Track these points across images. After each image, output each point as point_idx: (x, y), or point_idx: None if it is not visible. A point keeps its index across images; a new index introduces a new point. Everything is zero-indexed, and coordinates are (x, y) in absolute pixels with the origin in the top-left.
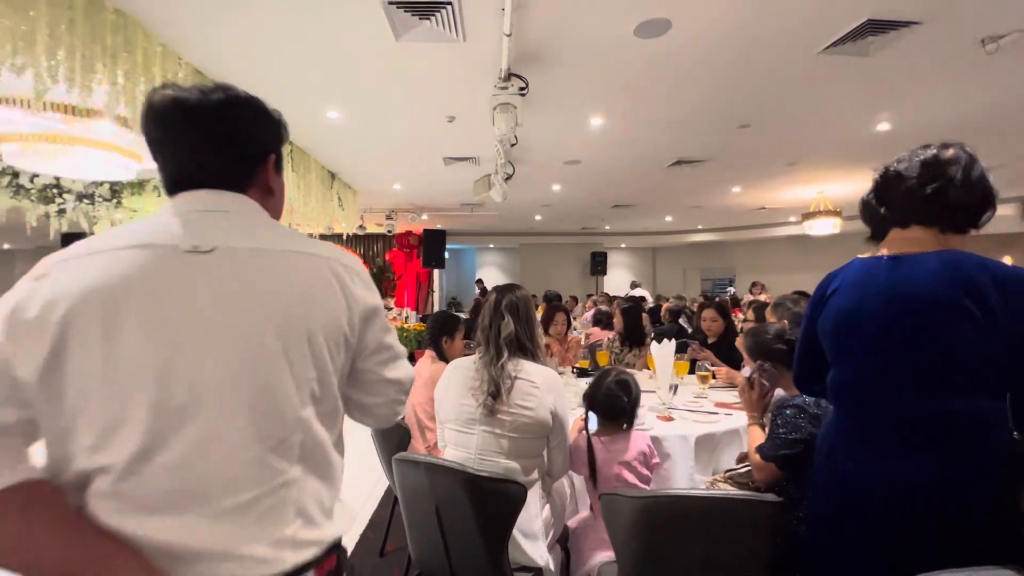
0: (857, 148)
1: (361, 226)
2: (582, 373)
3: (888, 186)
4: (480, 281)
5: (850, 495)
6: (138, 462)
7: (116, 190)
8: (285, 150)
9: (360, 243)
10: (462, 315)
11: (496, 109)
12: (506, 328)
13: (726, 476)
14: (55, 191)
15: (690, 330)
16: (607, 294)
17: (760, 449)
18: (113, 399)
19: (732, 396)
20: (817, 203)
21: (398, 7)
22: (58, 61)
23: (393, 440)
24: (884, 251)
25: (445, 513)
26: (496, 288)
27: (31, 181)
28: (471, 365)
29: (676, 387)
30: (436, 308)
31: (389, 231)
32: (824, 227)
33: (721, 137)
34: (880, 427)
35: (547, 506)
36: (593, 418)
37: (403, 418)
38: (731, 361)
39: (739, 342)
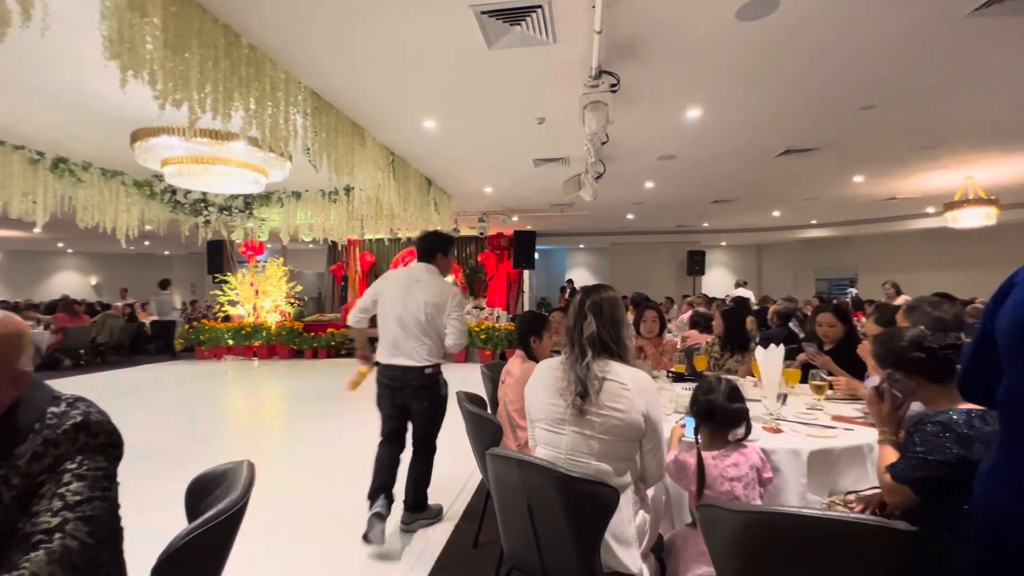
0: (1016, 125)
1: (455, 229)
2: (678, 378)
3: None
4: (570, 281)
5: (1021, 535)
6: (389, 335)
7: (248, 202)
8: (387, 160)
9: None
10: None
11: (586, 108)
12: (588, 328)
13: (848, 499)
14: (202, 204)
15: (802, 335)
16: (705, 295)
17: (892, 469)
18: (386, 318)
19: (854, 409)
20: (964, 190)
21: (491, 16)
22: (206, 93)
23: (486, 434)
24: None
25: (537, 511)
26: (583, 288)
27: (185, 196)
28: (559, 365)
29: (785, 397)
30: (526, 308)
31: (481, 233)
32: (973, 218)
33: (838, 121)
34: None
35: (640, 512)
36: (690, 426)
37: (496, 414)
38: (852, 371)
39: (864, 349)
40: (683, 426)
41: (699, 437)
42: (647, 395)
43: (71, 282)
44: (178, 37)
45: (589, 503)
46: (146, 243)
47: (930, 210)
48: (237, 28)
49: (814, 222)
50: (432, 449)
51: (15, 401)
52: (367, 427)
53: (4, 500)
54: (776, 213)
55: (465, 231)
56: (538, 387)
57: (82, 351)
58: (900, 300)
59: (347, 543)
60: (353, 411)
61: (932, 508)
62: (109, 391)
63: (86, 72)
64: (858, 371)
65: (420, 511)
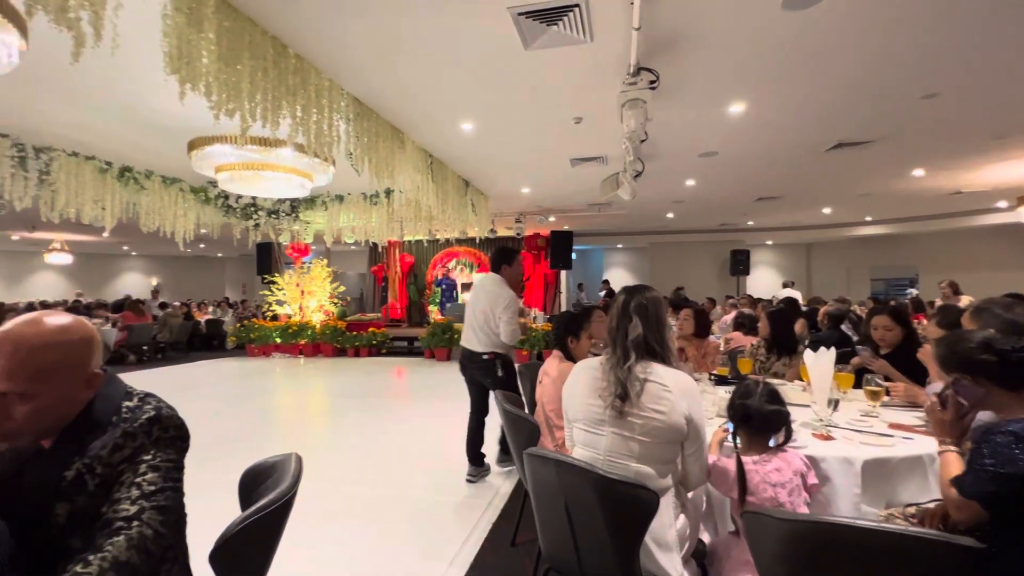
0: None
1: (492, 230)
2: (721, 381)
3: None
4: (606, 282)
5: None
6: (465, 325)
7: (295, 206)
8: (425, 162)
9: (490, 246)
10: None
11: (624, 106)
12: (634, 331)
13: (908, 511)
14: (252, 208)
15: (855, 338)
16: (750, 296)
17: (958, 483)
18: (465, 313)
19: (913, 417)
20: None
21: (528, 16)
22: (257, 103)
23: (523, 433)
24: None
25: (575, 512)
26: (625, 289)
27: (236, 201)
28: (598, 366)
29: (836, 402)
30: (563, 309)
31: (518, 234)
32: None
33: (896, 112)
34: None
35: (681, 516)
36: (731, 429)
37: (533, 414)
38: (912, 377)
39: (925, 353)
40: (726, 430)
41: (738, 441)
42: (689, 397)
43: (134, 283)
44: (231, 50)
45: (628, 506)
46: (201, 246)
47: (1001, 204)
48: (285, 39)
49: (869, 219)
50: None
51: (92, 397)
52: (408, 423)
53: (89, 487)
54: (827, 210)
55: (502, 232)
56: (576, 387)
57: (145, 347)
58: (963, 301)
59: (389, 535)
60: (394, 408)
61: (1003, 524)
62: (169, 385)
63: (148, 87)
64: (918, 378)
65: (477, 464)
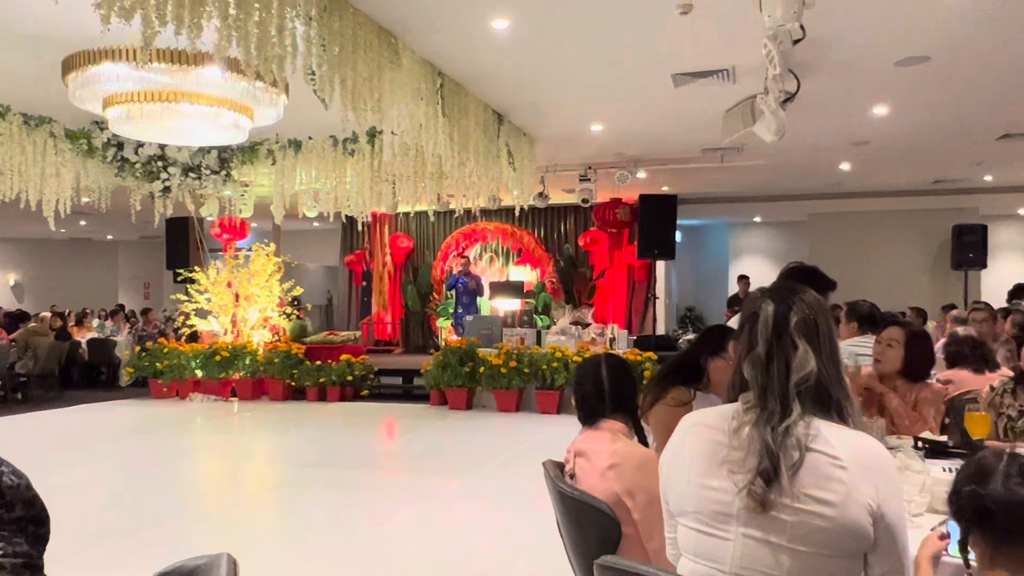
0: None
1: (542, 194)
2: (935, 451)
3: None
4: (745, 279)
5: None
6: None
7: (225, 159)
8: (433, 85)
9: (539, 220)
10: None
11: None
12: (802, 365)
13: None
14: (160, 164)
15: None
16: (986, 304)
17: None
18: None
19: None
20: None
21: None
22: None
23: (592, 533)
24: None
25: None
26: (770, 293)
27: (135, 152)
28: (719, 421)
29: None
30: (660, 326)
31: (585, 200)
32: None
33: None
34: None
35: None
36: (955, 537)
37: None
38: None
39: None
40: (944, 537)
41: (970, 557)
42: (878, 478)
43: None
44: None
45: None
46: (82, 223)
47: None
48: None
49: None
50: None
51: None
52: (405, 514)
53: None
54: None
55: (558, 198)
56: (684, 456)
57: None
58: None
59: None
60: (382, 489)
61: None
62: (30, 442)
63: None
64: None
65: None
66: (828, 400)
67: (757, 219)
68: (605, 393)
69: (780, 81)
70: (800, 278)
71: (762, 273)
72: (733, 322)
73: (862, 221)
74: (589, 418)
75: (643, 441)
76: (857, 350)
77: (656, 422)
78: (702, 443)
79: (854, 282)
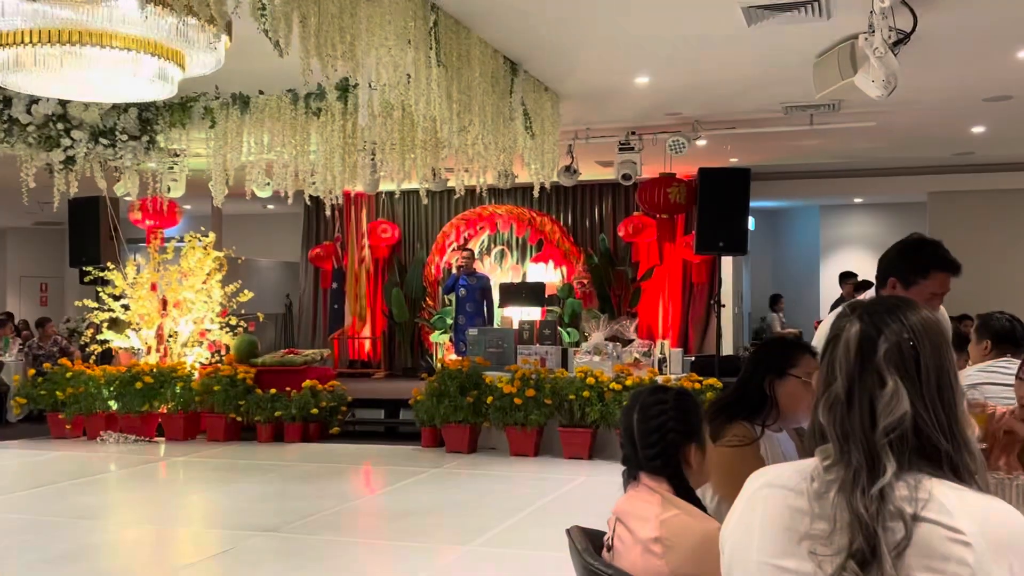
0: None
1: (569, 168)
2: None
3: None
4: (850, 278)
5: None
6: None
7: (147, 120)
8: (423, 22)
9: (565, 203)
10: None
11: None
12: (889, 406)
13: None
14: (60, 127)
15: None
16: None
17: None
18: None
19: None
20: None
21: None
22: None
23: None
24: None
25: None
26: (861, 309)
27: (28, 111)
28: (802, 481)
29: None
30: (727, 343)
31: (626, 177)
32: None
33: None
34: None
35: None
36: None
37: None
38: None
39: None
40: None
41: None
42: (1017, 558)
43: None
44: None
45: None
46: None
47: None
48: None
49: None
50: None
51: None
52: None
53: None
54: None
55: (590, 173)
56: (753, 531)
57: None
58: None
59: None
60: (354, 556)
61: None
62: None
63: None
64: None
65: None
66: (935, 452)
67: (858, 200)
68: (635, 435)
69: (890, 16)
70: (909, 254)
71: (865, 271)
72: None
73: (1000, 203)
74: (629, 471)
75: (694, 501)
76: (990, 378)
77: (715, 468)
78: (775, 511)
79: (989, 285)
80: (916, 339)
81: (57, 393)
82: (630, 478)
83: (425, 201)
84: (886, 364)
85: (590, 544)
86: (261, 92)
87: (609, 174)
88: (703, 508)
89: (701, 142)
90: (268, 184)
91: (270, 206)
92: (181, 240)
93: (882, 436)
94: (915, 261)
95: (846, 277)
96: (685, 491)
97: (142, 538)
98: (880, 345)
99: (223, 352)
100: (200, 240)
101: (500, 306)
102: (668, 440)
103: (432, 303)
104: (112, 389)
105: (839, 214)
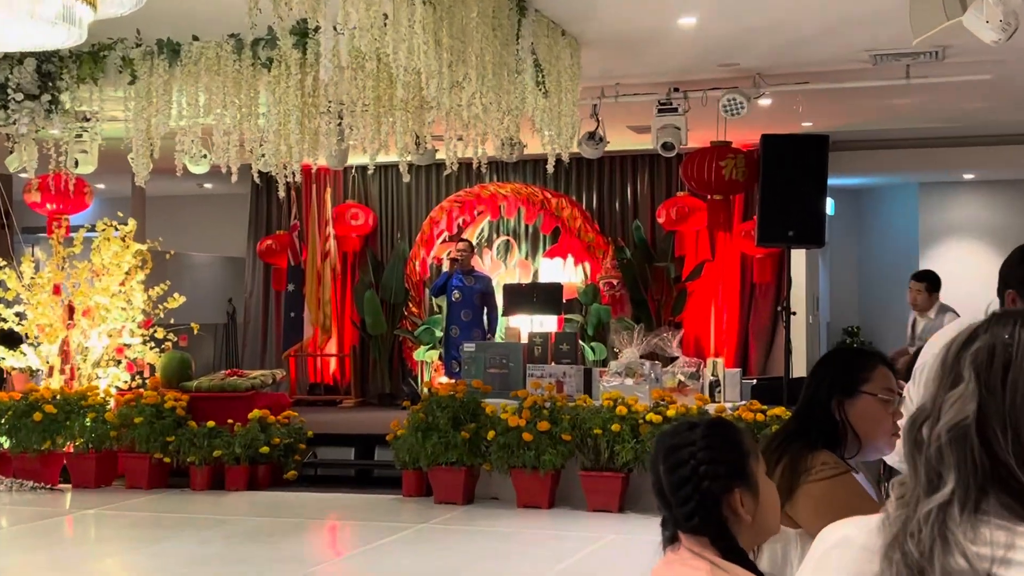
0: None
1: (593, 135)
2: None
3: None
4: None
5: None
6: None
7: (49, 74)
8: None
9: (589, 181)
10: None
11: None
12: (954, 405)
13: None
14: None
15: None
16: None
17: None
18: None
19: None
20: None
21: None
22: None
23: None
24: None
25: None
26: (992, 317)
27: None
28: (870, 536)
29: None
30: (800, 361)
31: (667, 146)
32: None
33: None
34: None
35: None
36: None
37: None
38: None
39: None
40: None
41: None
42: None
43: None
44: None
45: None
46: None
47: None
48: None
49: None
50: None
51: None
52: None
53: None
54: None
55: (620, 142)
56: None
57: None
58: None
59: None
60: None
61: None
62: None
63: None
64: None
65: None
66: (1016, 485)
67: (969, 176)
68: (665, 490)
69: None
70: None
71: (977, 266)
72: None
73: None
74: (666, 529)
75: (747, 565)
76: None
77: (812, 510)
78: (849, 565)
79: None
80: (1018, 347)
81: None
82: (670, 538)
83: (407, 178)
84: (968, 363)
85: None
86: (195, 38)
87: (645, 143)
88: (759, 574)
89: (764, 101)
90: (205, 157)
91: (207, 185)
92: (92, 229)
93: (939, 438)
94: None
95: (923, 283)
96: (735, 553)
97: None
98: (972, 344)
99: (147, 374)
100: (117, 229)
101: (505, 314)
102: (703, 489)
103: (416, 310)
104: (3, 422)
105: (943, 194)
